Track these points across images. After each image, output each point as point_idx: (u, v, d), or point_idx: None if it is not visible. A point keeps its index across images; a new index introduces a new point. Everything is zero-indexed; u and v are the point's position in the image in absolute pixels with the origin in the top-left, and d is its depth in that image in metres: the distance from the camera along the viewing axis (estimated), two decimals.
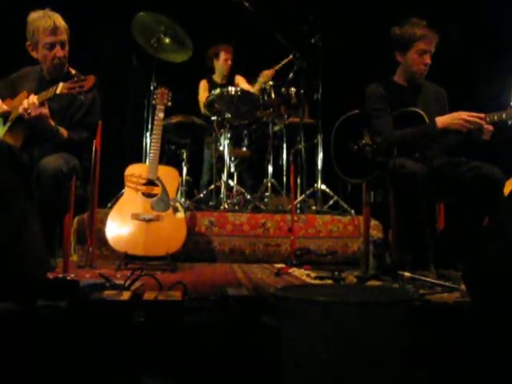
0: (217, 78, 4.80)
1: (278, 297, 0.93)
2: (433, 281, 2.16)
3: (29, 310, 1.13)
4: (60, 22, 2.63)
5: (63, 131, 2.61)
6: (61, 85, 2.46)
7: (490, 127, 2.48)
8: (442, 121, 2.50)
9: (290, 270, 2.88)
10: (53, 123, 2.54)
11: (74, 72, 2.80)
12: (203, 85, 4.74)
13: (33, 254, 1.64)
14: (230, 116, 4.14)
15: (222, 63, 4.72)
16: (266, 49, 4.50)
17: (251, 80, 4.69)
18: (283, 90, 4.26)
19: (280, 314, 0.92)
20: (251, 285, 2.25)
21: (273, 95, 4.26)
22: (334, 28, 4.69)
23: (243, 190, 4.21)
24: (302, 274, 2.76)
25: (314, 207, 4.11)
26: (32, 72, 2.77)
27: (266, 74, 4.43)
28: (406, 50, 2.67)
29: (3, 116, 2.62)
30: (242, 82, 4.72)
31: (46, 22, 2.59)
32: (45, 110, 2.48)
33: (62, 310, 1.10)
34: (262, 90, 4.30)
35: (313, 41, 4.36)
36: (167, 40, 4.16)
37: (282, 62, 4.44)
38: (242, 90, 4.11)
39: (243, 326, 1.26)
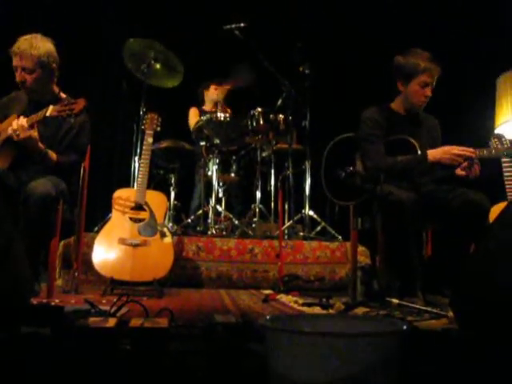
0: (206, 107, 4.89)
1: (266, 327, 0.92)
2: (420, 307, 2.16)
3: (12, 336, 1.11)
4: (26, 47, 2.60)
5: (52, 154, 2.60)
6: (51, 108, 2.46)
7: (477, 167, 2.51)
8: (433, 154, 2.52)
9: (278, 297, 2.86)
10: (42, 146, 2.54)
11: (64, 96, 2.81)
12: (193, 112, 4.81)
13: (17, 279, 1.62)
14: (218, 142, 4.16)
15: (212, 92, 4.86)
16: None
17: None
18: (271, 116, 4.30)
19: (267, 344, 0.91)
20: (239, 311, 2.24)
21: (261, 121, 4.28)
22: (322, 55, 4.78)
23: (231, 216, 4.21)
24: (289, 300, 2.74)
25: (301, 233, 4.11)
26: (22, 95, 2.78)
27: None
28: (409, 80, 2.70)
29: None
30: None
31: (15, 45, 2.63)
32: (34, 133, 2.48)
33: (46, 337, 1.08)
34: (251, 117, 4.33)
35: (301, 69, 4.43)
36: (158, 66, 4.20)
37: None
38: (231, 116, 4.14)
39: (231, 354, 1.24)
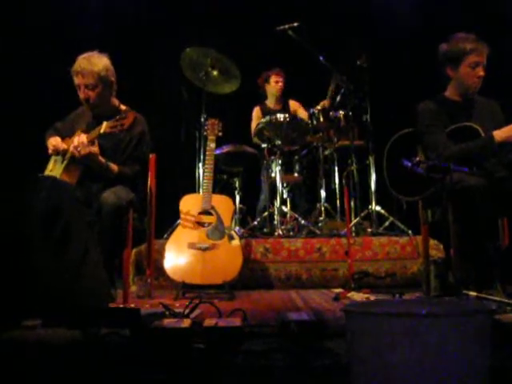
0: (270, 103, 4.86)
1: (350, 311, 0.90)
2: (501, 300, 2.06)
3: (93, 337, 1.16)
4: (86, 65, 2.71)
5: (113, 166, 2.70)
6: (104, 124, 2.57)
7: None
8: (499, 134, 2.42)
9: (349, 295, 2.82)
10: (103, 160, 2.64)
11: (124, 108, 2.91)
12: (256, 112, 4.81)
13: (95, 285, 1.69)
14: (280, 143, 4.17)
15: (273, 86, 4.78)
16: (313, 74, 4.54)
17: (305, 105, 4.74)
18: (331, 113, 4.26)
19: (351, 329, 0.88)
20: (310, 310, 2.22)
21: (321, 119, 4.26)
22: (380, 47, 4.69)
23: (297, 216, 4.20)
24: (361, 297, 2.69)
25: (369, 229, 4.04)
26: (86, 111, 2.89)
27: (323, 104, 4.44)
28: (458, 64, 2.62)
29: (62, 154, 2.74)
30: (297, 108, 4.77)
31: (75, 65, 2.73)
32: (94, 149, 2.58)
33: (125, 337, 1.12)
34: (311, 115, 4.31)
35: (358, 63, 4.35)
36: (215, 72, 4.26)
37: (330, 89, 4.45)
38: (291, 116, 4.13)
39: (306, 351, 1.24)
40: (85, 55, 2.76)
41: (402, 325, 0.81)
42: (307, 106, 4.60)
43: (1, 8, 4.74)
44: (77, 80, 2.75)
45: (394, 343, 0.80)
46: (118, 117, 2.59)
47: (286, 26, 4.15)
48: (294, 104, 4.83)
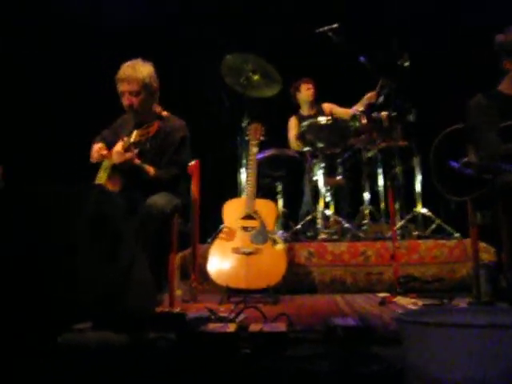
0: (304, 111, 4.87)
1: (405, 321, 0.86)
2: None
3: (140, 341, 1.18)
4: (130, 72, 2.75)
5: (150, 169, 2.73)
6: (134, 133, 2.64)
7: None
8: None
9: (395, 299, 2.76)
10: (138, 163, 2.69)
11: (165, 114, 2.95)
12: (292, 122, 4.83)
13: (142, 291, 1.72)
14: (322, 146, 4.14)
15: (304, 93, 4.81)
16: (352, 77, 4.50)
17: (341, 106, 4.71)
18: (374, 114, 4.20)
19: (405, 338, 0.85)
20: (356, 315, 2.19)
21: (364, 121, 4.20)
22: (422, 45, 4.59)
23: (340, 219, 4.15)
24: (407, 302, 2.64)
25: (415, 232, 3.95)
26: (128, 118, 2.95)
27: (370, 95, 4.40)
28: None
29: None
30: (332, 108, 4.74)
31: (120, 72, 2.78)
32: (128, 156, 2.64)
33: (172, 341, 1.14)
34: (353, 117, 4.26)
35: (399, 62, 4.28)
36: (256, 77, 4.27)
37: (379, 84, 4.40)
38: (333, 119, 4.10)
39: (353, 357, 1.22)
40: (129, 63, 2.81)
41: (470, 337, 0.76)
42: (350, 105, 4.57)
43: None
44: (121, 87, 2.79)
45: (460, 357, 0.76)
46: (145, 125, 2.66)
47: (326, 28, 4.12)
48: (327, 106, 4.80)
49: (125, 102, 2.80)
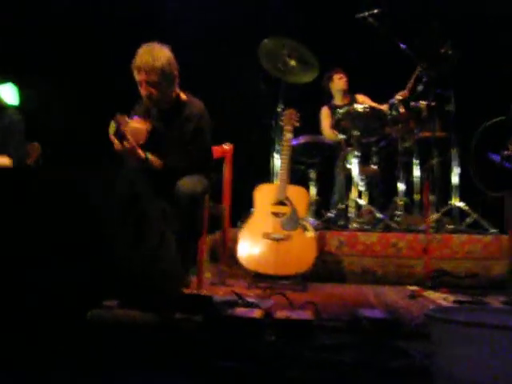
0: (337, 100, 4.82)
1: (435, 318, 0.83)
2: None
3: (167, 321, 1.19)
4: (148, 60, 2.57)
5: (153, 159, 2.64)
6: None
7: None
8: None
9: (425, 293, 2.72)
10: (142, 154, 2.58)
11: (184, 98, 2.80)
12: (324, 112, 4.78)
13: (170, 271, 1.74)
14: (357, 134, 4.08)
15: (337, 82, 4.76)
16: (391, 64, 4.41)
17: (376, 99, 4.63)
18: (412, 103, 4.10)
19: (434, 336, 0.81)
20: (384, 307, 2.16)
21: (401, 110, 4.11)
22: (465, 32, 4.45)
23: (373, 209, 4.09)
24: (438, 297, 2.59)
25: (449, 226, 3.86)
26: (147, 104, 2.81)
27: (401, 94, 4.30)
28: None
29: None
30: (364, 100, 4.67)
31: (136, 59, 2.61)
32: (126, 145, 2.52)
33: (197, 323, 1.14)
34: (391, 105, 4.18)
35: (442, 50, 4.15)
36: (293, 62, 4.22)
37: (412, 78, 4.29)
38: (370, 107, 4.03)
39: (377, 350, 1.20)
40: (145, 49, 2.62)
41: (504, 339, 0.73)
42: (379, 100, 4.48)
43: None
44: (138, 76, 2.63)
45: (491, 360, 0.72)
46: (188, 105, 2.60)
47: (366, 13, 4.03)
48: (360, 97, 4.73)
49: (143, 91, 2.66)
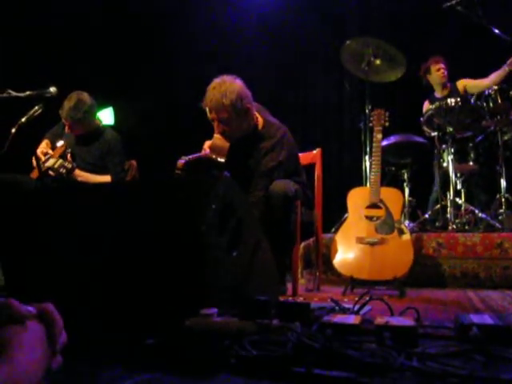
0: (437, 92, 4.62)
1: None
2: None
3: (265, 329, 1.19)
4: (217, 98, 2.52)
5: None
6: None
7: None
8: None
9: None
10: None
11: (261, 121, 2.76)
12: (425, 106, 4.61)
13: (266, 279, 1.75)
14: (451, 129, 3.89)
15: (435, 75, 4.56)
16: (484, 51, 4.17)
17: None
18: (511, 92, 3.85)
19: None
20: (493, 313, 2.02)
21: (499, 100, 3.86)
22: None
23: (473, 208, 3.87)
24: None
25: None
26: None
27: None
28: None
29: None
30: (466, 84, 4.43)
31: (206, 99, 2.57)
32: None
33: (296, 330, 1.14)
34: (486, 97, 3.93)
35: None
36: (378, 61, 4.12)
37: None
38: (463, 100, 3.82)
39: (490, 360, 1.12)
40: (214, 84, 2.57)
41: None
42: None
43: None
44: (210, 115, 2.61)
45: None
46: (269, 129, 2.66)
47: (454, 2, 3.86)
48: (461, 83, 4.49)
49: (216, 128, 2.64)
